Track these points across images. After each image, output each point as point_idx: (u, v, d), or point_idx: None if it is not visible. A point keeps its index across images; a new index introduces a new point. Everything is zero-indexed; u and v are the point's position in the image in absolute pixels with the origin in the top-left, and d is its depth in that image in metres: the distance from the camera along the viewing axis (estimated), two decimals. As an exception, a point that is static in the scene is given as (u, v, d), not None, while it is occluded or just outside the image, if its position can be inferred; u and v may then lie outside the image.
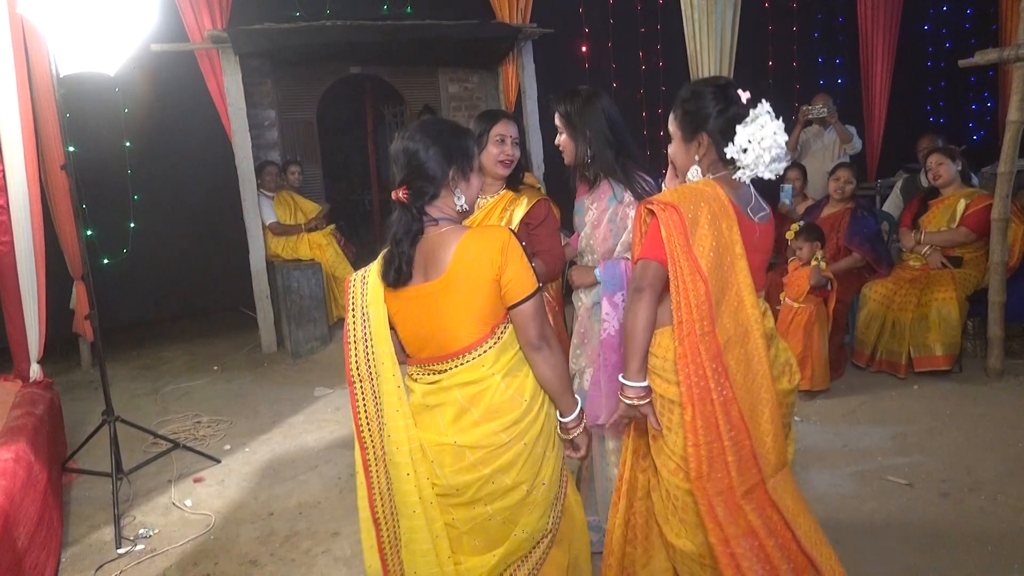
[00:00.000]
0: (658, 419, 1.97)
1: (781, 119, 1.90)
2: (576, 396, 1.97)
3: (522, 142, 2.86)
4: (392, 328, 1.96)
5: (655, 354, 1.98)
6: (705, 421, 1.84)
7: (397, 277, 1.87)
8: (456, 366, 1.87)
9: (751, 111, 1.90)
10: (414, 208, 1.87)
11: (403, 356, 2.01)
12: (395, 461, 1.92)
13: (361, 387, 1.94)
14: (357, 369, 1.93)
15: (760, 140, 1.86)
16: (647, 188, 2.53)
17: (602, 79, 7.48)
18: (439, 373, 1.90)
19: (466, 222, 1.99)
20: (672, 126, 2.05)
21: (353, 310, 1.95)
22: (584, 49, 7.40)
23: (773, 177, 1.92)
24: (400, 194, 1.87)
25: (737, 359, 1.88)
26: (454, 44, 6.56)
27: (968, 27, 8.71)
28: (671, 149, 2.07)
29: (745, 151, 1.88)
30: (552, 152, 6.99)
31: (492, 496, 1.89)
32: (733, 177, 1.95)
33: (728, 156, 1.92)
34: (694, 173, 1.99)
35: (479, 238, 1.84)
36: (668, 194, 1.91)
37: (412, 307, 1.88)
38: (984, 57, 4.15)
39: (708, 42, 5.61)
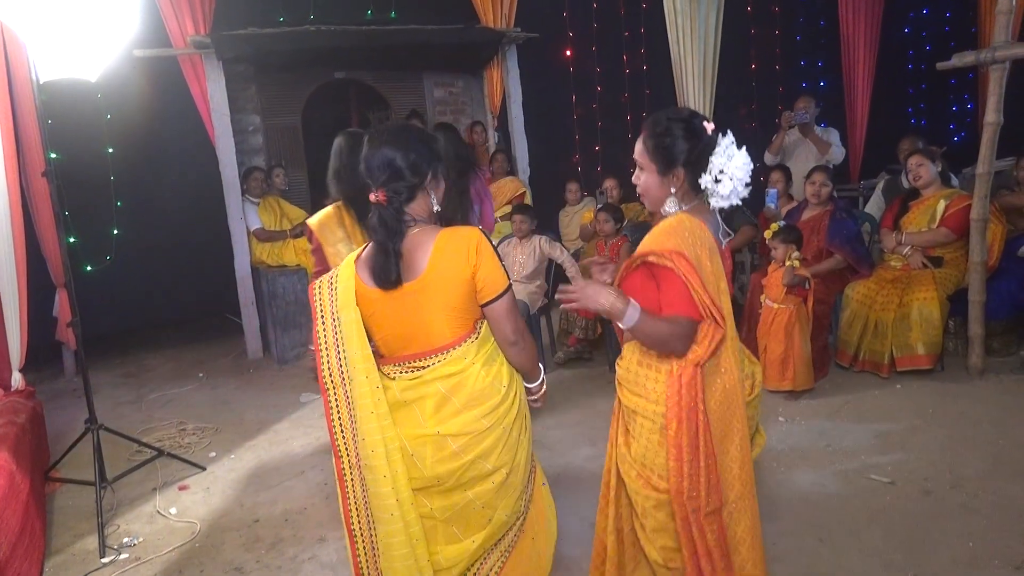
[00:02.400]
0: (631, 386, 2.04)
1: (744, 148, 1.97)
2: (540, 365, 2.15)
3: (507, 147, 2.88)
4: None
5: (629, 368, 2.04)
6: (690, 439, 1.88)
7: (393, 279, 1.89)
8: (439, 360, 1.92)
9: (719, 140, 1.96)
10: (393, 208, 1.91)
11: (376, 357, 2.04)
12: (370, 465, 1.93)
13: (335, 393, 1.95)
14: (330, 375, 1.94)
15: (732, 171, 1.92)
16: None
17: (587, 83, 7.53)
18: (421, 368, 1.93)
19: None
20: (643, 158, 2.02)
21: (322, 317, 1.95)
22: (568, 53, 7.44)
23: (739, 203, 1.98)
24: (380, 196, 1.91)
25: (715, 387, 1.94)
26: (439, 49, 6.57)
27: (948, 30, 8.83)
28: (642, 180, 2.05)
29: (718, 181, 1.94)
30: (538, 157, 7.04)
31: (473, 481, 1.93)
32: (707, 205, 2.01)
33: (703, 186, 1.96)
34: (671, 205, 2.01)
35: (453, 238, 1.89)
36: (667, 239, 1.90)
37: (392, 307, 1.90)
38: (961, 60, 4.20)
39: (692, 45, 5.64)
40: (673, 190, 1.99)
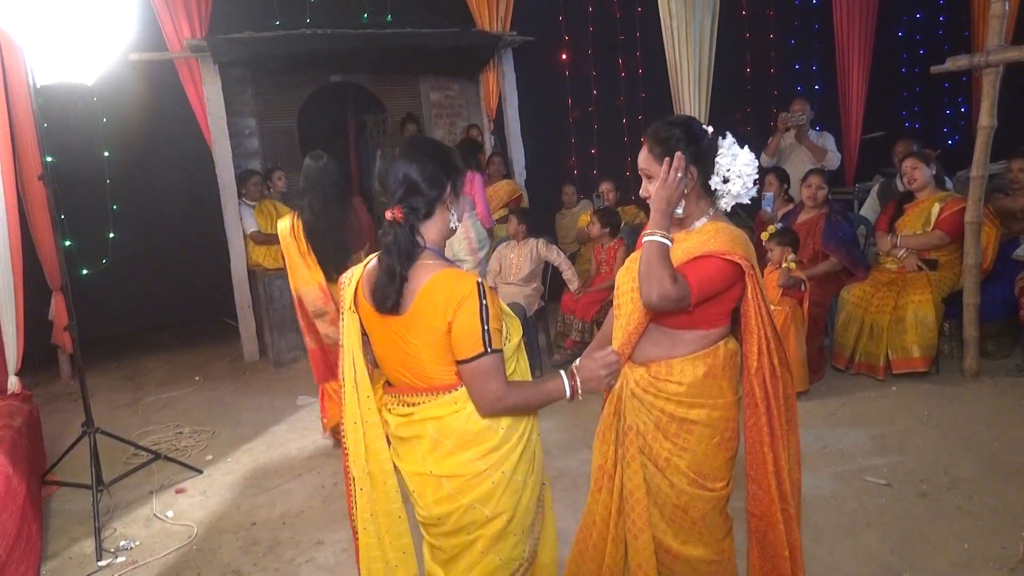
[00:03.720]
0: (667, 428, 2.04)
1: (747, 147, 1.99)
2: (552, 384, 1.85)
3: (503, 150, 2.88)
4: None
5: (673, 380, 2.01)
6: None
7: (390, 305, 1.78)
8: (428, 401, 1.83)
9: (721, 141, 1.98)
10: (408, 228, 1.79)
11: (372, 368, 1.98)
12: (352, 474, 1.91)
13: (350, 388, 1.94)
14: (343, 371, 1.93)
15: (739, 170, 1.95)
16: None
17: (583, 86, 7.54)
18: (412, 406, 1.85)
19: None
20: (650, 164, 1.98)
21: (341, 312, 1.95)
22: (564, 57, 7.45)
23: (748, 201, 2.01)
24: (396, 213, 1.79)
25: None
26: (435, 52, 6.58)
27: (941, 34, 8.87)
28: (652, 189, 1.97)
29: (727, 181, 1.97)
30: (534, 160, 7.06)
31: (473, 526, 1.85)
32: (719, 210, 2.03)
33: (713, 188, 1.99)
34: (680, 207, 2.00)
35: (445, 281, 1.75)
36: (734, 247, 1.91)
37: (385, 331, 1.84)
38: (955, 63, 4.23)
39: (687, 49, 5.66)
40: (686, 191, 1.97)
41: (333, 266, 3.82)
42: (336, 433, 4.00)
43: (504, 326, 1.85)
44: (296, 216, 3.93)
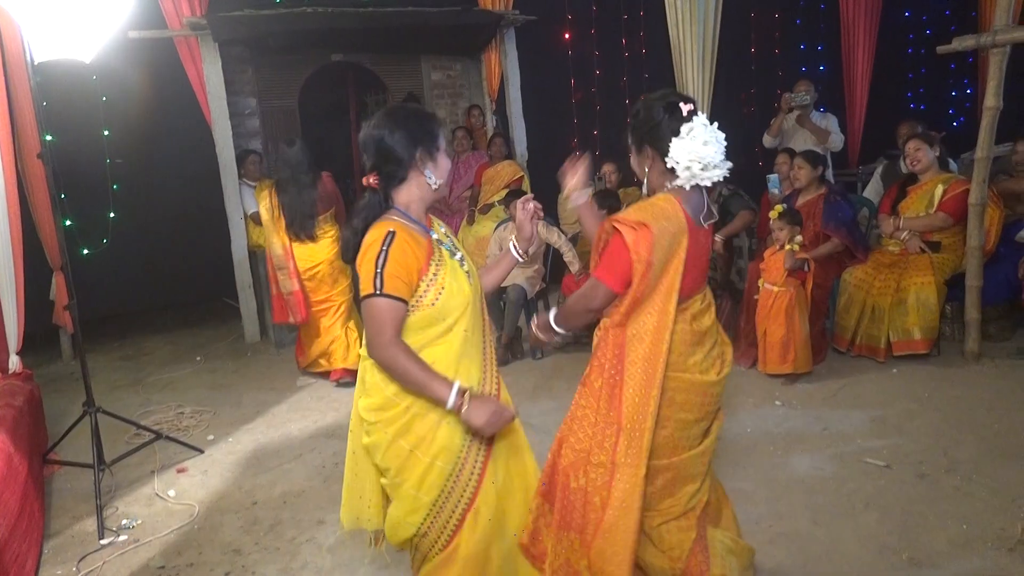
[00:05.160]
0: None
1: (716, 125, 1.99)
2: (443, 383, 1.87)
3: (505, 131, 2.89)
4: None
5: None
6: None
7: (350, 258, 1.97)
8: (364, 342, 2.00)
9: (685, 124, 1.97)
10: (383, 193, 1.95)
11: None
12: None
13: None
14: None
15: (690, 152, 1.95)
16: None
17: (585, 66, 7.48)
18: (363, 346, 2.01)
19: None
20: (629, 139, 2.15)
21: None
22: (567, 36, 7.39)
23: (710, 184, 2.00)
24: (371, 179, 1.95)
25: (637, 353, 2.00)
26: (436, 31, 6.52)
27: (948, 14, 8.76)
28: (631, 160, 2.19)
29: (678, 163, 1.98)
30: (536, 141, 7.01)
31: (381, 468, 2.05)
32: (676, 185, 2.03)
33: (669, 166, 2.01)
34: (648, 181, 2.12)
35: (371, 231, 1.91)
36: (635, 213, 2.00)
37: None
38: (961, 43, 4.18)
39: (691, 29, 5.60)
40: (647, 168, 2.09)
41: (298, 228, 4.74)
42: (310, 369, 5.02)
43: (434, 295, 1.91)
44: (272, 187, 4.85)
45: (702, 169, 1.95)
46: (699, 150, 1.94)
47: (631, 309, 1.99)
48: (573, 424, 2.11)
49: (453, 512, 1.99)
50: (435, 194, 2.00)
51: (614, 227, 2.01)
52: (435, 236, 2.02)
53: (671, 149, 1.98)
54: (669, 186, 2.05)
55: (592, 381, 2.08)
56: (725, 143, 1.99)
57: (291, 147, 4.74)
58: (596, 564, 1.99)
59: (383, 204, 1.95)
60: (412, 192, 1.97)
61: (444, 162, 2.00)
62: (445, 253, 2.00)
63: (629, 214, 2.01)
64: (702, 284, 2.15)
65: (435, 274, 1.92)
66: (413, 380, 1.87)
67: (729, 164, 1.99)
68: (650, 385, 1.96)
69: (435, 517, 1.98)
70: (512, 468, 2.12)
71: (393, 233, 1.86)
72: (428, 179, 1.96)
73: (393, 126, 1.93)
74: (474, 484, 2.00)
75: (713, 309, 2.18)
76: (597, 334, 2.13)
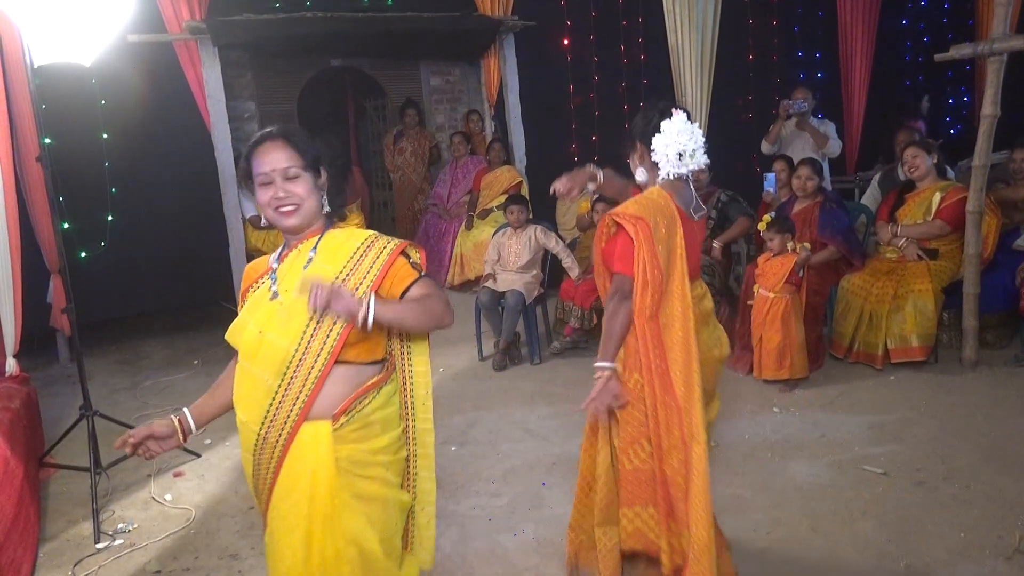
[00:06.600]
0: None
1: (686, 116, 2.22)
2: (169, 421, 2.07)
3: (504, 136, 2.91)
4: None
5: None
6: None
7: None
8: None
9: (665, 120, 2.22)
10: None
11: None
12: None
13: None
14: None
15: (667, 143, 2.19)
16: None
17: (584, 72, 7.48)
18: None
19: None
20: (627, 144, 2.42)
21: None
22: (566, 42, 7.39)
23: (695, 168, 2.24)
24: None
25: (674, 338, 2.21)
26: (435, 36, 6.53)
27: (946, 22, 8.80)
28: (630, 162, 2.45)
29: (656, 150, 2.24)
30: (535, 146, 7.02)
31: None
32: (663, 179, 2.26)
33: (654, 160, 2.25)
34: (640, 175, 2.38)
35: None
36: (632, 207, 2.21)
37: None
38: (959, 51, 4.20)
39: (689, 35, 5.63)
40: (638, 163, 2.36)
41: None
42: None
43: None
44: None
45: (678, 156, 2.19)
46: (674, 139, 2.18)
47: (657, 297, 2.17)
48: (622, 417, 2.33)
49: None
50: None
51: (616, 223, 2.21)
52: (276, 265, 1.95)
53: (653, 142, 2.23)
54: (658, 181, 2.28)
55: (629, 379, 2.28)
56: (703, 138, 2.22)
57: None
58: (690, 531, 2.15)
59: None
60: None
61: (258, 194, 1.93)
62: (264, 285, 1.96)
63: (627, 208, 2.21)
64: (697, 273, 2.41)
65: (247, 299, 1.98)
66: None
67: (707, 160, 2.21)
68: (690, 362, 2.17)
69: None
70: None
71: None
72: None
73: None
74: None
75: (709, 294, 2.45)
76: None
